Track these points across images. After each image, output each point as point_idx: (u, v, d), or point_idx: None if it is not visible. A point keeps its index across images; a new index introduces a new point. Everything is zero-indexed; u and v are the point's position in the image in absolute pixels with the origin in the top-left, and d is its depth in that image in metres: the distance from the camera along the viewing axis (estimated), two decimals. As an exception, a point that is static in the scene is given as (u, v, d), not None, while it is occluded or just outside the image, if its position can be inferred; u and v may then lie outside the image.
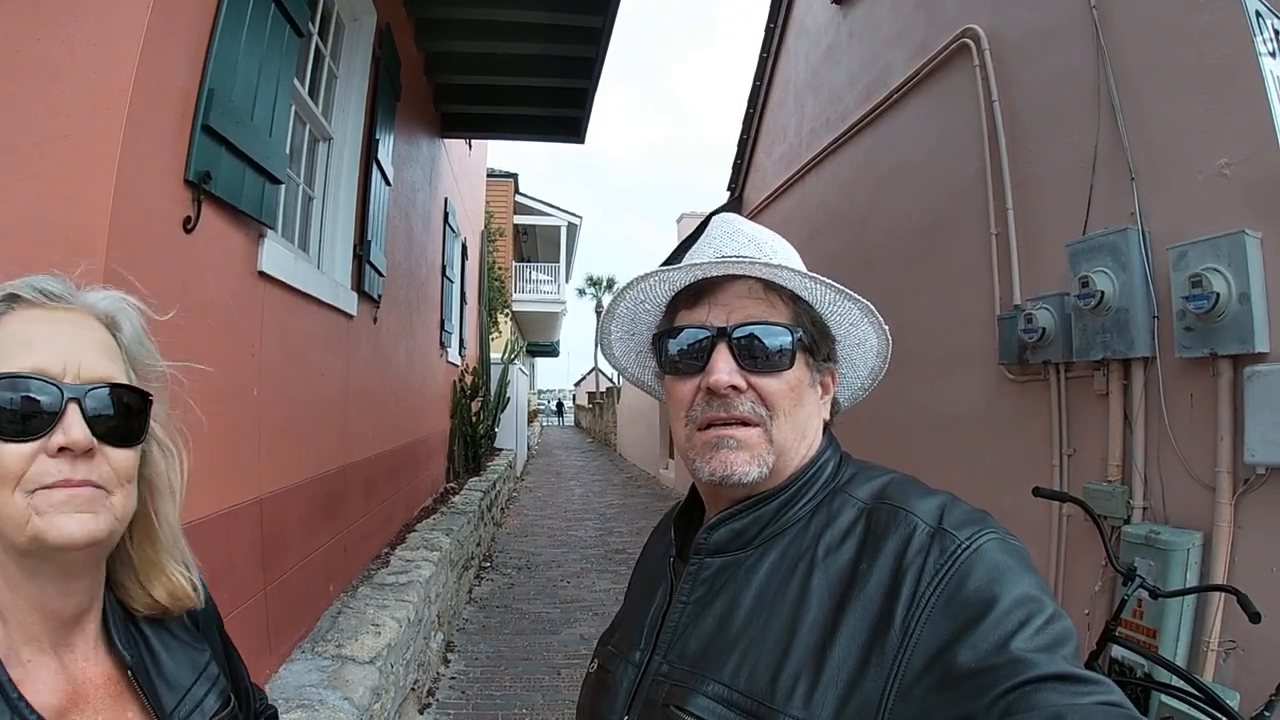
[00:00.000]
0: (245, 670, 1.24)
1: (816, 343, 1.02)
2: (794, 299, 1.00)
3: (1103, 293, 3.69)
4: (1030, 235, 4.60)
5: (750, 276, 0.99)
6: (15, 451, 0.81)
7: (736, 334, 0.97)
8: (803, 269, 1.06)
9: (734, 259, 1.00)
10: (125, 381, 0.91)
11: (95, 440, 0.85)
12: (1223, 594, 3.09)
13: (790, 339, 0.97)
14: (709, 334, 0.99)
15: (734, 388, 0.96)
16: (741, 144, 10.76)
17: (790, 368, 0.97)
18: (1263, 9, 2.88)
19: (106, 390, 0.87)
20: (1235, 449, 3.19)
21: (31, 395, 0.82)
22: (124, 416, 0.89)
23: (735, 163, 11.01)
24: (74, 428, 0.83)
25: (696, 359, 0.99)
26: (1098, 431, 4.00)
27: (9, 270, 1.98)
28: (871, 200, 6.83)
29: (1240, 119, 3.20)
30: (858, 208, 7.10)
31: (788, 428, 0.98)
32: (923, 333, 5.59)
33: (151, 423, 0.95)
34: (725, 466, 0.96)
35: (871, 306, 1.01)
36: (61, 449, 0.82)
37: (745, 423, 0.97)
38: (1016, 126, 4.74)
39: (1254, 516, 3.15)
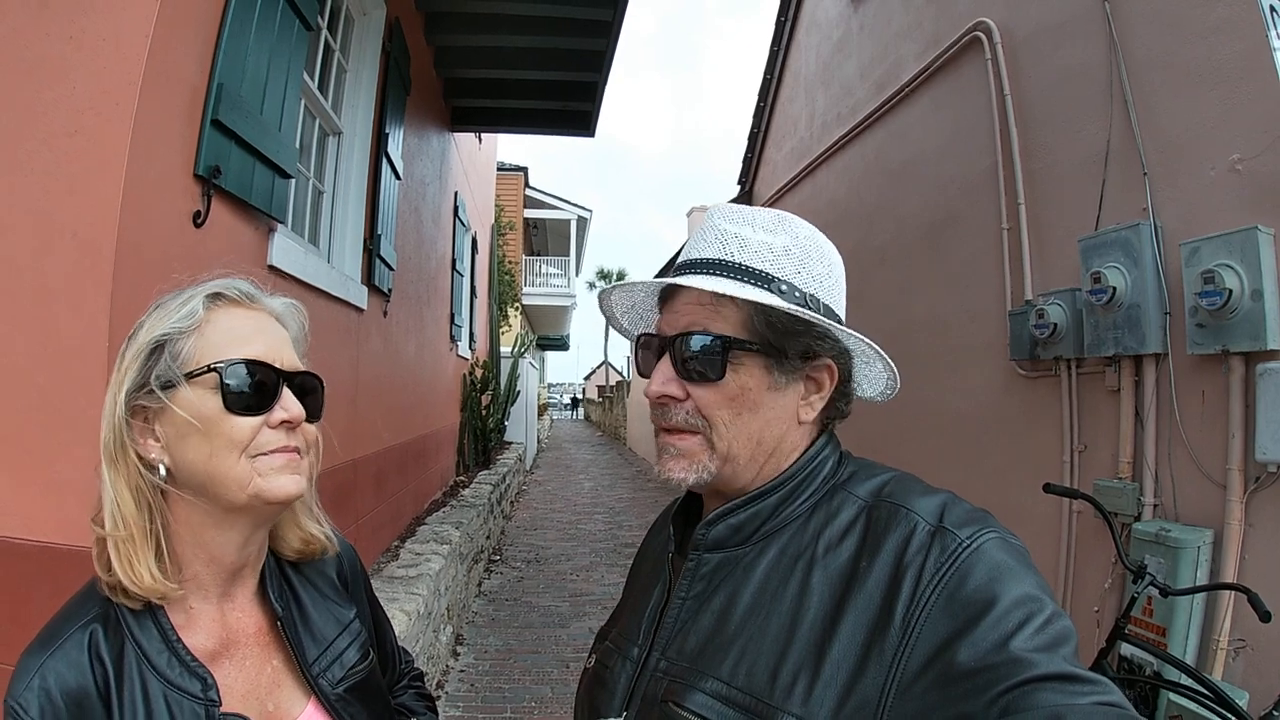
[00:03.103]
0: (392, 632, 1.40)
1: (775, 345, 0.97)
2: (749, 301, 0.96)
3: (1115, 288, 3.67)
4: (1042, 230, 4.57)
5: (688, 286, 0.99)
6: (247, 423, 0.97)
7: (676, 344, 0.98)
8: (798, 256, 1.00)
9: (693, 264, 1.01)
10: (306, 368, 1.09)
11: (305, 413, 1.04)
12: (1233, 592, 3.08)
13: (719, 348, 0.95)
14: (658, 342, 1.02)
15: (670, 396, 0.98)
16: (752, 137, 10.73)
17: (721, 377, 0.96)
18: (1276, 4, 2.86)
19: (303, 375, 1.07)
20: (1246, 446, 3.17)
21: (259, 378, 0.99)
22: (312, 397, 1.08)
23: (746, 156, 10.97)
24: (292, 405, 1.02)
25: (649, 365, 1.03)
26: (1109, 428, 3.98)
27: (20, 264, 2.01)
28: (882, 195, 6.80)
29: (1253, 114, 3.18)
30: (868, 202, 7.08)
31: (730, 436, 0.97)
32: (933, 328, 5.57)
33: None
34: (667, 470, 0.99)
35: (809, 314, 0.95)
36: (283, 422, 1.00)
37: (684, 431, 0.98)
38: (1028, 121, 4.71)
39: (1265, 514, 3.13)
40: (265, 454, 0.99)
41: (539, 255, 29.94)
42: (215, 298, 1.03)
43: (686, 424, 0.97)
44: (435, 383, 8.06)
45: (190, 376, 0.97)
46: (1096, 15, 4.04)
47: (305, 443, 1.05)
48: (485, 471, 10.27)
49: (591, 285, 55.11)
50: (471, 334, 11.13)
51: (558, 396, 73.42)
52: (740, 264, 0.98)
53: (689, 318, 0.98)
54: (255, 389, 0.99)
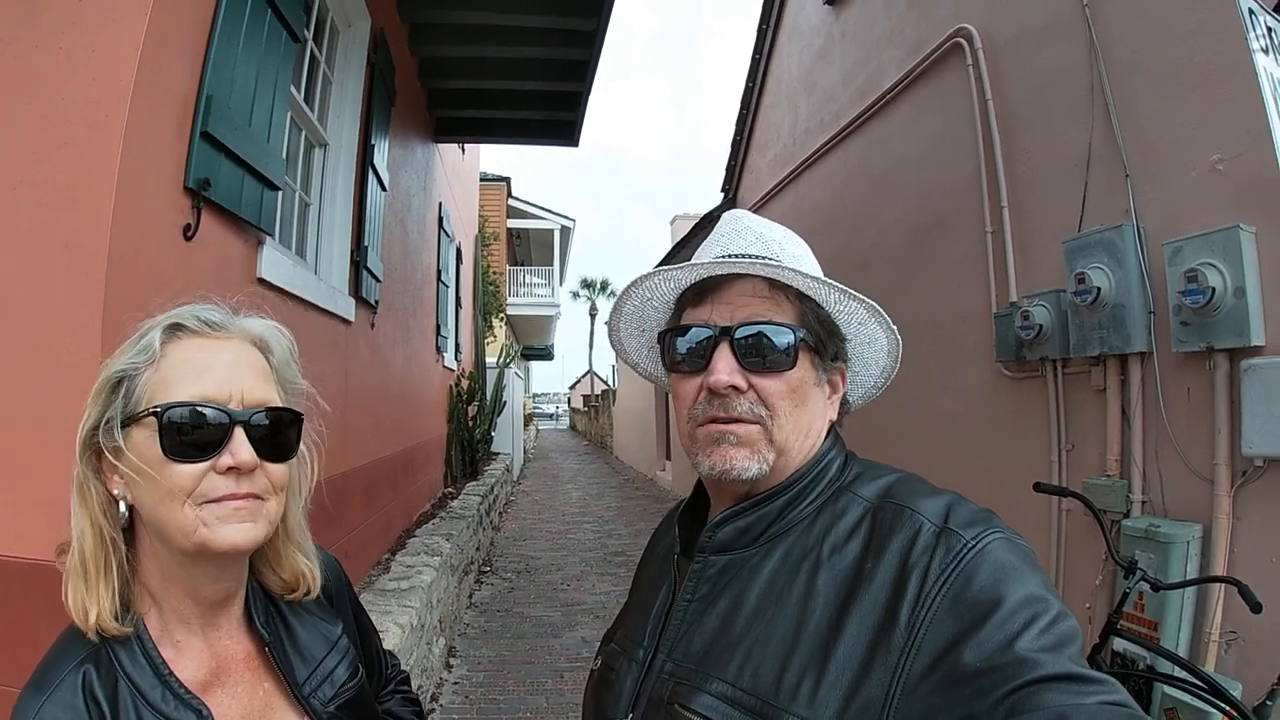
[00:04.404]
0: (377, 637, 1.37)
1: (823, 342, 1.01)
2: (800, 298, 1.00)
3: (1099, 289, 3.71)
4: (1026, 233, 4.61)
5: (756, 275, 0.99)
6: (188, 471, 0.92)
7: (739, 333, 0.97)
8: (814, 265, 1.07)
9: (737, 258, 1.00)
10: (279, 403, 1.02)
11: (258, 458, 0.96)
12: (1223, 585, 3.11)
13: (793, 339, 0.97)
14: (711, 333, 0.99)
15: (734, 387, 0.96)
16: (735, 145, 10.76)
17: (792, 368, 0.97)
18: (1255, 6, 2.90)
19: (267, 414, 0.98)
20: (1233, 441, 3.21)
21: (202, 422, 0.93)
22: (281, 435, 1.01)
23: (729, 164, 11.00)
24: (241, 450, 0.94)
25: (699, 357, 1.00)
26: (1096, 427, 4.02)
27: (11, 276, 1.99)
28: (866, 200, 6.84)
29: (1233, 115, 3.23)
30: (852, 208, 7.12)
31: (789, 427, 0.98)
32: (919, 331, 5.60)
33: None
34: (725, 461, 0.96)
35: (878, 306, 1.01)
36: (230, 468, 0.93)
37: (745, 420, 0.97)
38: (1010, 125, 4.75)
39: (1252, 508, 3.17)
40: (213, 501, 0.93)
41: (523, 265, 29.91)
42: (174, 329, 0.99)
43: (751, 414, 0.97)
44: (422, 394, 8.03)
45: (135, 418, 0.94)
46: (1077, 19, 4.09)
47: (268, 485, 0.99)
48: (473, 483, 10.23)
49: (575, 295, 55.17)
50: (457, 345, 11.10)
51: (552, 408, 73.19)
52: (783, 265, 0.99)
53: (750, 309, 0.99)
54: (199, 433, 0.93)
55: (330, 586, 1.24)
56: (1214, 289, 3.13)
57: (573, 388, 68.92)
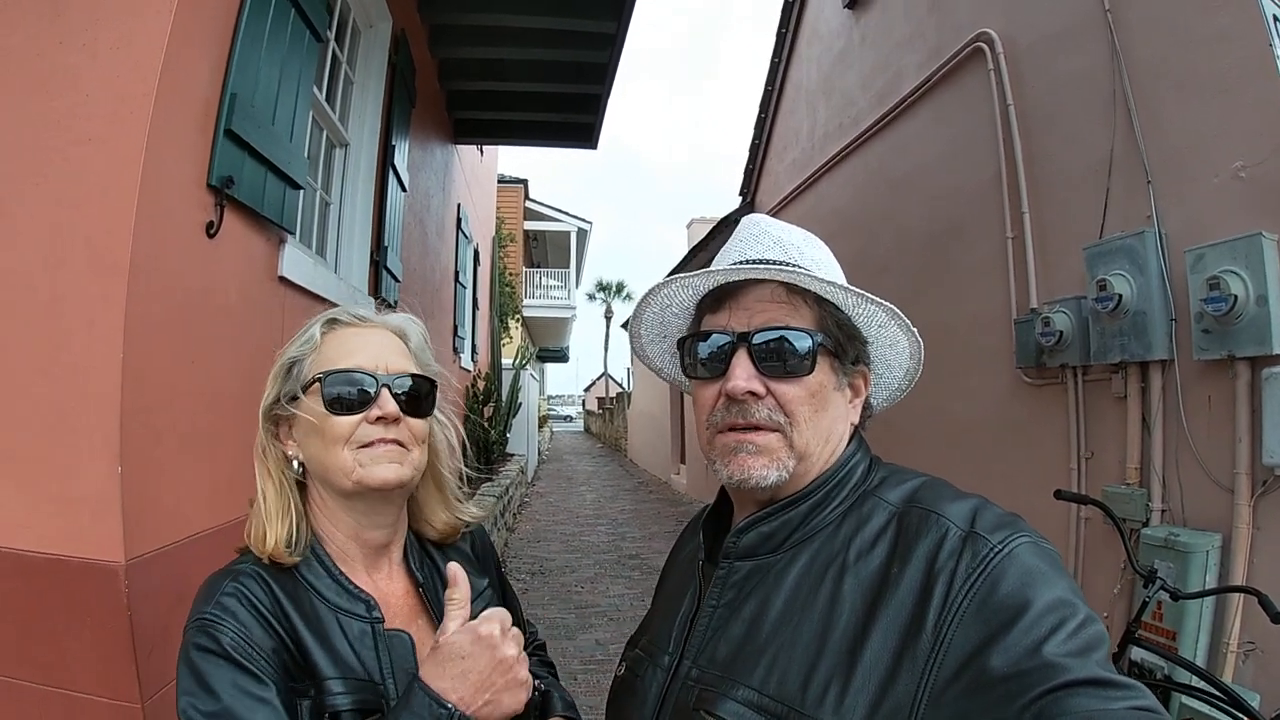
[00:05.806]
0: (520, 607, 1.52)
1: (843, 346, 1.01)
2: (819, 302, 1.00)
3: (1120, 296, 3.68)
4: (1046, 239, 4.59)
5: (773, 280, 0.99)
6: (346, 421, 1.17)
7: (756, 339, 0.97)
8: (835, 269, 1.06)
9: (754, 263, 1.01)
10: (416, 372, 1.27)
11: (400, 412, 1.19)
12: (1242, 595, 3.07)
13: (811, 344, 0.97)
14: (729, 339, 0.99)
15: (752, 393, 0.96)
16: (753, 149, 10.76)
17: (811, 373, 0.97)
18: (1279, 12, 2.88)
19: (406, 378, 1.23)
20: (1253, 451, 3.18)
21: (355, 384, 1.18)
22: (418, 396, 1.24)
23: (747, 168, 11.00)
24: (388, 403, 1.18)
25: (718, 363, 1.00)
26: (1116, 435, 3.99)
27: (33, 273, 2.01)
28: (885, 205, 6.82)
29: (1256, 121, 3.20)
30: (871, 213, 7.09)
31: (809, 433, 0.98)
32: (938, 337, 5.54)
33: None
34: (743, 470, 0.96)
35: (896, 309, 1.01)
36: (379, 418, 1.17)
37: (764, 428, 0.97)
38: (1031, 130, 4.73)
39: (1273, 518, 3.14)
40: (367, 446, 1.17)
41: (539, 267, 29.98)
42: (331, 323, 1.27)
43: (770, 421, 0.97)
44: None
45: (305, 388, 1.19)
46: (1098, 23, 4.06)
47: (411, 437, 1.22)
48: (488, 483, 10.24)
49: (591, 297, 55.13)
50: (474, 346, 11.13)
51: (570, 410, 73.13)
52: (807, 270, 0.99)
53: (767, 314, 0.99)
54: (352, 392, 1.18)
55: (478, 549, 1.46)
56: (1236, 297, 3.10)
57: (588, 390, 68.86)
